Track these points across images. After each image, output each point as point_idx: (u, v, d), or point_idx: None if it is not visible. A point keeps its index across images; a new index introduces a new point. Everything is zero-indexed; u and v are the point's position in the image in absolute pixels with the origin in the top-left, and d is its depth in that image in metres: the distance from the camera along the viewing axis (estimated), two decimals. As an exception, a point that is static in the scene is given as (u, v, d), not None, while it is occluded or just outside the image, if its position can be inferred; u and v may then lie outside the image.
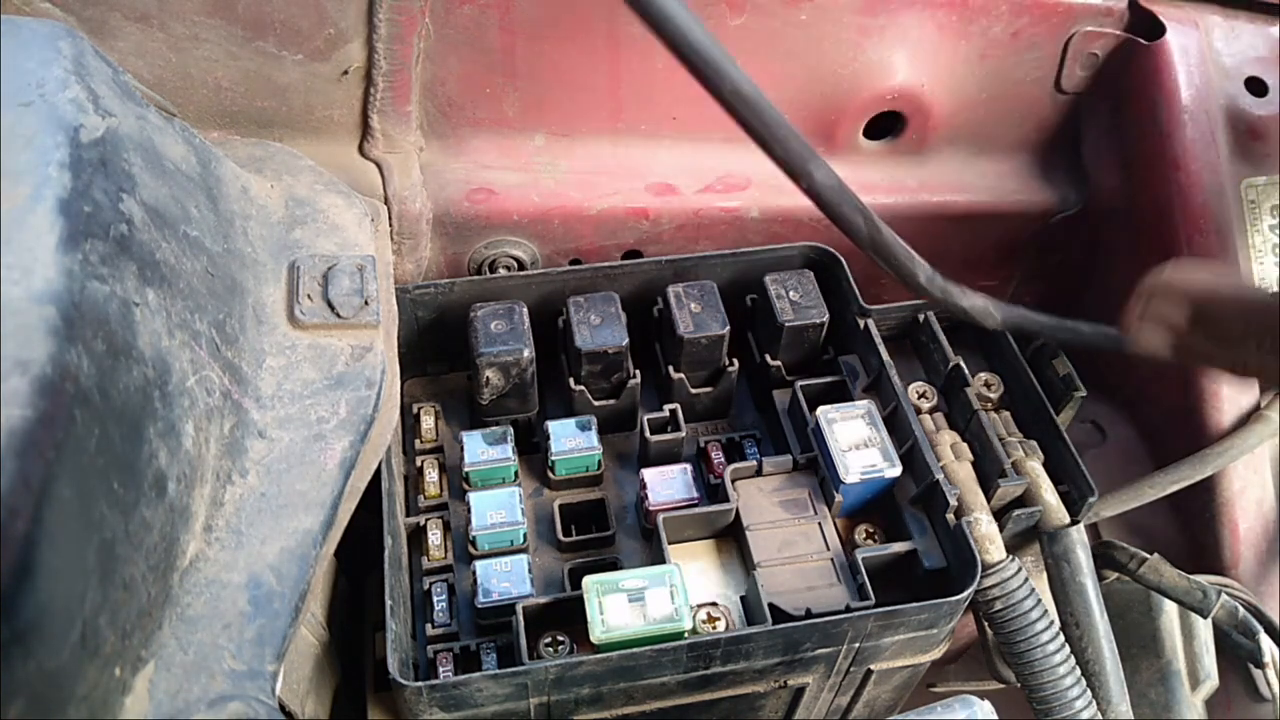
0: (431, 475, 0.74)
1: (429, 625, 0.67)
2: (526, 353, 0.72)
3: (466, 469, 0.72)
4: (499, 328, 0.73)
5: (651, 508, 0.70)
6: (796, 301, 0.77)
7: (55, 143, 0.48)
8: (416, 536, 0.71)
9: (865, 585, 0.67)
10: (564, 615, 0.65)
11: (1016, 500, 0.74)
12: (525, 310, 0.74)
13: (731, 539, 0.73)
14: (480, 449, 0.73)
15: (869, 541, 0.72)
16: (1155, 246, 0.91)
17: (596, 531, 0.73)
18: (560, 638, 0.66)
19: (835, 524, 0.72)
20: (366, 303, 0.64)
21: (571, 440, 0.74)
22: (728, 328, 0.76)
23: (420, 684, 0.58)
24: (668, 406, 0.75)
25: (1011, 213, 0.99)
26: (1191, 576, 0.81)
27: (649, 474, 0.72)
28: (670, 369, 0.77)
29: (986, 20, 0.86)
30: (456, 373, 0.81)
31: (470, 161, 0.84)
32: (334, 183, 0.72)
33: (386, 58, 0.75)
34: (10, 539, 0.37)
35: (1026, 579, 0.70)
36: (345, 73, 0.75)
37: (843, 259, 0.80)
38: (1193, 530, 0.95)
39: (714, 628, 0.67)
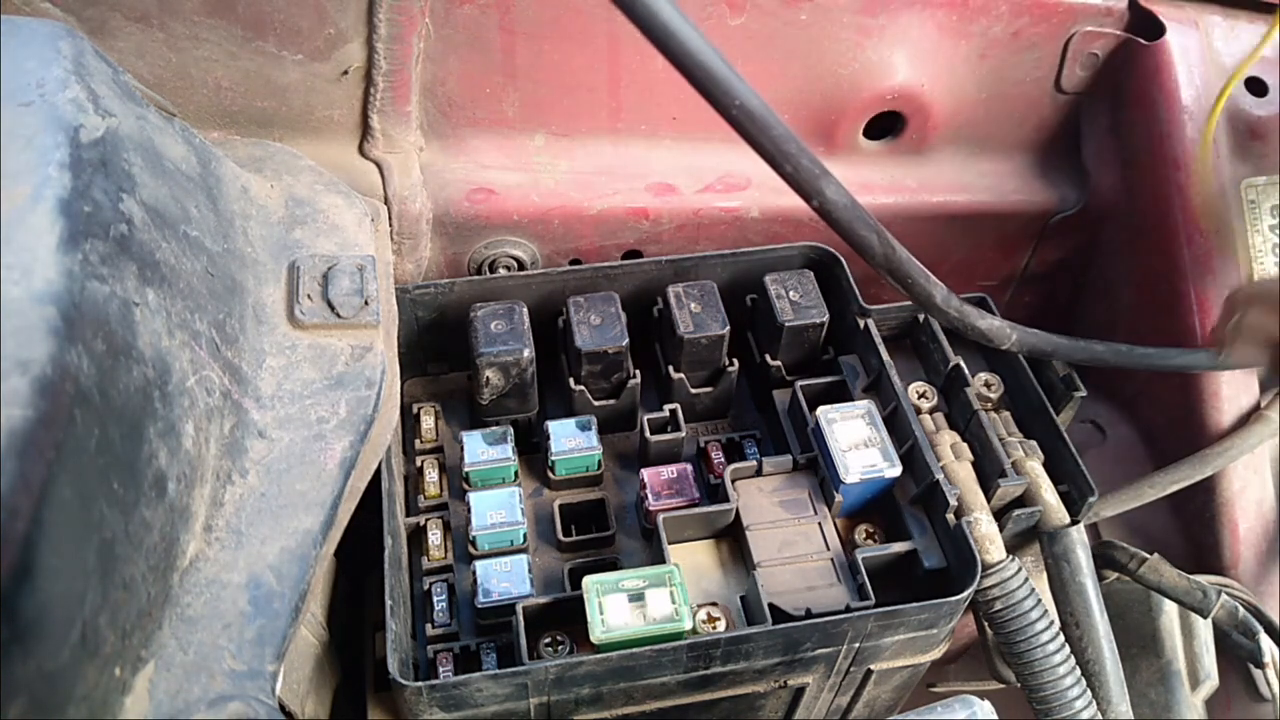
0: (431, 475, 0.74)
1: (429, 625, 0.67)
2: (526, 353, 0.72)
3: (466, 469, 0.72)
4: (499, 328, 0.73)
5: (651, 508, 0.70)
6: (796, 301, 0.77)
7: (55, 143, 0.48)
8: (416, 536, 0.71)
9: (865, 585, 0.67)
10: (564, 615, 0.65)
11: (1016, 500, 0.74)
12: (525, 310, 0.74)
13: (731, 539, 0.73)
14: (480, 449, 0.73)
15: (869, 541, 0.72)
16: (1155, 246, 0.92)
17: (596, 531, 0.73)
18: (560, 638, 0.66)
19: (835, 524, 0.72)
20: (366, 303, 0.64)
21: (571, 440, 0.74)
22: (728, 328, 0.76)
23: (420, 684, 0.58)
24: (668, 406, 0.75)
25: (1011, 213, 0.99)
26: (1191, 576, 0.81)
27: (649, 474, 0.72)
28: (670, 369, 0.77)
29: (986, 20, 0.86)
30: (456, 373, 0.81)
31: (470, 161, 0.84)
32: (334, 183, 0.72)
33: (386, 58, 0.75)
34: (10, 539, 0.37)
35: (1026, 579, 0.69)
36: (345, 73, 0.75)
37: (843, 259, 0.80)
38: (1193, 530, 0.95)
39: (714, 628, 0.67)
